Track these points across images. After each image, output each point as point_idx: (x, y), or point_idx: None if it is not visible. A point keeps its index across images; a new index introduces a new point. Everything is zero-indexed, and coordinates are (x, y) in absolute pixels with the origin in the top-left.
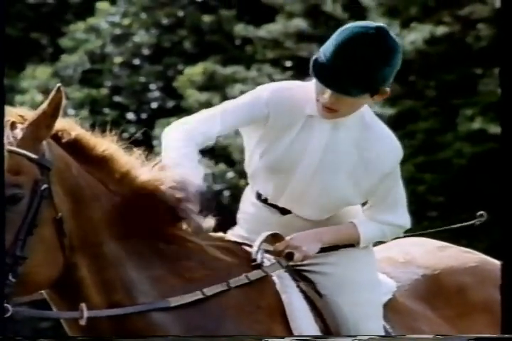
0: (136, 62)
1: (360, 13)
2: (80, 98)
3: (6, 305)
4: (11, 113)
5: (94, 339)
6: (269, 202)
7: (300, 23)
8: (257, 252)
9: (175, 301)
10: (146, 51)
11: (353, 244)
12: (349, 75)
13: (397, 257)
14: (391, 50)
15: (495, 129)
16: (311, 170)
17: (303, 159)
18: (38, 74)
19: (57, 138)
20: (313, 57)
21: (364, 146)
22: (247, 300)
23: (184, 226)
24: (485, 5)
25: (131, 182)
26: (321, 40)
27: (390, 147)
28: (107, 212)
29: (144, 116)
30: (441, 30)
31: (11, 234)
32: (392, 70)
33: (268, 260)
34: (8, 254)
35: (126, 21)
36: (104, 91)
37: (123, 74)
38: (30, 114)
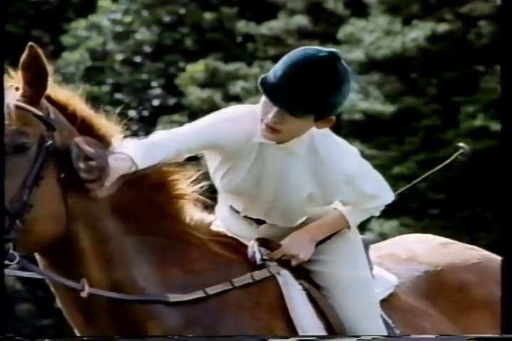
0: (138, 59)
1: (361, 11)
2: (81, 95)
3: (12, 252)
4: (12, 78)
5: (95, 339)
6: (242, 215)
7: (302, 20)
8: (254, 254)
9: (174, 298)
10: (147, 48)
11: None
12: (296, 94)
13: (399, 254)
14: (340, 77)
15: (496, 126)
16: (270, 194)
17: (261, 184)
18: None
19: (62, 109)
20: (263, 76)
21: (316, 169)
22: (247, 296)
23: (187, 219)
24: (486, 2)
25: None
26: (323, 37)
27: (340, 167)
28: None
29: (145, 113)
30: (442, 27)
31: (18, 180)
32: (340, 99)
33: (269, 260)
34: (15, 200)
35: (127, 19)
36: (106, 88)
37: (124, 72)
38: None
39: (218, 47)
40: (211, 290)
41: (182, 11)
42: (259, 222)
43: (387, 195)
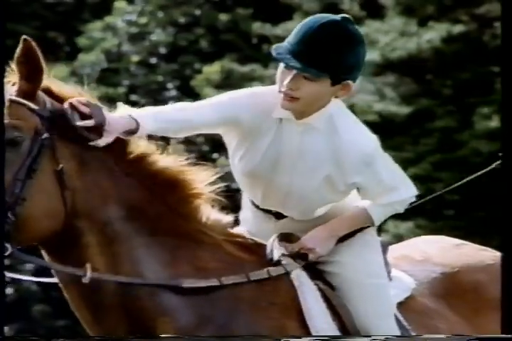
0: (153, 60)
1: (376, 12)
2: (97, 97)
3: (6, 244)
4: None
5: (107, 339)
6: (261, 207)
7: None
8: (272, 251)
9: (188, 283)
10: (162, 50)
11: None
12: (307, 53)
13: (414, 255)
14: (352, 37)
15: None
16: (288, 174)
17: (279, 164)
18: (55, 73)
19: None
20: (277, 44)
21: (335, 147)
22: (261, 295)
23: (203, 219)
24: None
25: (147, 166)
26: None
27: (359, 145)
28: (117, 185)
29: None
30: (457, 28)
31: (10, 173)
32: (353, 61)
33: (285, 259)
34: (7, 193)
35: (142, 20)
36: (121, 90)
37: (140, 73)
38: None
39: (233, 48)
40: (226, 280)
41: (197, 12)
42: (278, 217)
43: (407, 189)
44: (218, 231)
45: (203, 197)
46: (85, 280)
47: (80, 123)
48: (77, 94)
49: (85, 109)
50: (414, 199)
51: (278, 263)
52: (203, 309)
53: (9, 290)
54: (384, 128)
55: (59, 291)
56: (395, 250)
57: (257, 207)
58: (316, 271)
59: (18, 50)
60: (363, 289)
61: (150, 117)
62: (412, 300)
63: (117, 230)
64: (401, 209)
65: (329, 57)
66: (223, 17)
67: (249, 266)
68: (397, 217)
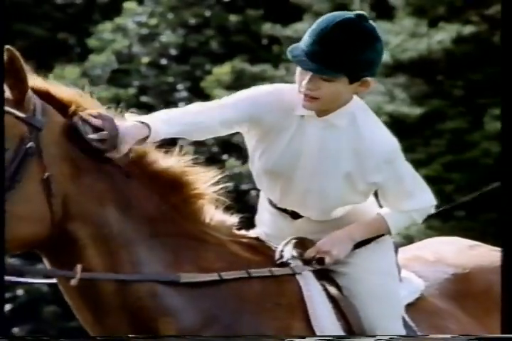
0: (164, 62)
1: (387, 13)
2: (108, 98)
3: None
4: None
5: (109, 339)
6: (279, 206)
7: None
8: (281, 252)
9: (187, 277)
10: (173, 51)
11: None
12: (322, 53)
13: (427, 256)
14: (368, 34)
15: None
16: (308, 172)
17: (299, 161)
18: (66, 74)
19: (64, 107)
20: (293, 45)
21: (356, 145)
22: (267, 295)
23: (207, 219)
24: None
25: (149, 166)
26: None
27: (381, 143)
28: (114, 187)
29: None
30: (468, 29)
31: None
32: (369, 56)
33: (294, 261)
34: None
35: (153, 21)
36: (132, 91)
37: (150, 74)
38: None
39: (244, 49)
40: (226, 275)
41: (207, 13)
42: (295, 217)
43: (426, 196)
44: (222, 231)
45: (206, 198)
46: (74, 282)
47: (92, 136)
48: (77, 97)
49: (97, 122)
50: (433, 211)
51: (285, 264)
52: (206, 309)
53: (20, 292)
54: (395, 129)
55: None
56: (408, 251)
57: (275, 206)
58: (323, 271)
59: (4, 60)
60: (373, 290)
61: (163, 121)
62: (422, 301)
63: (116, 232)
64: (419, 220)
65: (345, 56)
66: (233, 18)
67: (254, 266)
68: None
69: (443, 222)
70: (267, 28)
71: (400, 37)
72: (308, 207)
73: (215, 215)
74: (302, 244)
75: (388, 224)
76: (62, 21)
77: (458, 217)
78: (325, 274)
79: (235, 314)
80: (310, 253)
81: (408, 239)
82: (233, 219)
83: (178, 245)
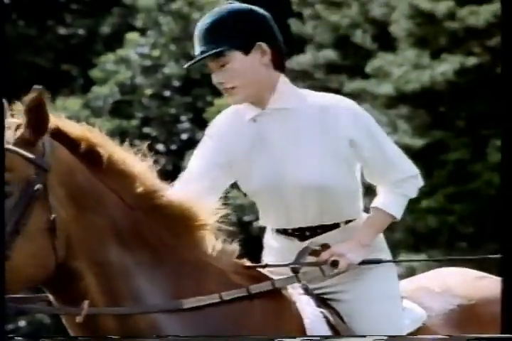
0: (166, 93)
1: (389, 44)
2: (110, 129)
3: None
4: (19, 116)
5: (106, 339)
6: (284, 228)
7: (330, 54)
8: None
9: (189, 303)
10: (175, 82)
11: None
12: (205, 40)
13: (433, 287)
14: (248, 9)
15: None
16: (290, 167)
17: (275, 161)
18: (68, 105)
19: (74, 144)
20: None
21: (320, 117)
22: (268, 325)
23: (208, 249)
24: None
25: (155, 199)
26: (351, 71)
27: (343, 102)
28: (117, 222)
29: (173, 147)
30: (471, 60)
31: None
32: (253, 25)
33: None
34: None
35: (155, 52)
36: (135, 122)
37: (153, 106)
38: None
39: None
40: (227, 296)
41: None
42: (302, 238)
43: (409, 165)
44: (224, 261)
45: (209, 228)
46: (79, 319)
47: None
48: (87, 133)
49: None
50: (421, 182)
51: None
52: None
53: (22, 323)
54: None
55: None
56: (416, 281)
57: (280, 231)
58: (322, 299)
59: (29, 99)
60: (374, 316)
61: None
62: (424, 330)
63: (116, 268)
64: (412, 193)
65: (224, 29)
66: None
67: (259, 297)
68: (410, 249)
69: (445, 253)
70: None
71: (403, 68)
72: (310, 206)
73: (217, 245)
74: (319, 251)
75: (387, 211)
76: (65, 52)
77: (461, 249)
78: (324, 302)
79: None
80: (323, 256)
81: (410, 270)
82: (235, 249)
83: (180, 275)
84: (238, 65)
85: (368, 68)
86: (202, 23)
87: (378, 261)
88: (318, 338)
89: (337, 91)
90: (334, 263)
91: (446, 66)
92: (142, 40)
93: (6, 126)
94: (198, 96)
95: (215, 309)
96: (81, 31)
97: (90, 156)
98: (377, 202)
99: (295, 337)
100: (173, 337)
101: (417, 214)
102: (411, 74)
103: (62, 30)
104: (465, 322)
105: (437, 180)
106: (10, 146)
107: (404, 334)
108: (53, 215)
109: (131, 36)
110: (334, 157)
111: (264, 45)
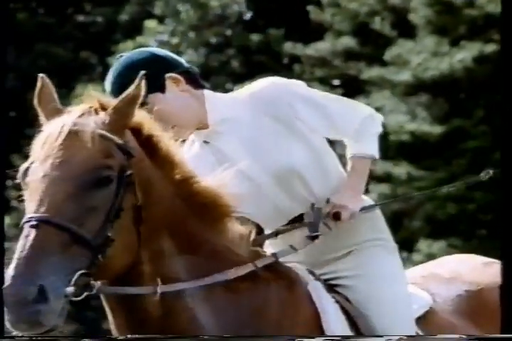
0: None
1: (408, 32)
2: None
3: (92, 282)
4: (92, 100)
5: (110, 339)
6: (282, 226)
7: (349, 42)
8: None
9: (232, 274)
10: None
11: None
12: (116, 86)
13: (443, 273)
14: (134, 58)
15: None
16: (263, 171)
17: (247, 175)
18: (88, 92)
19: (134, 130)
20: None
21: (255, 106)
22: (285, 315)
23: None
24: None
25: (190, 186)
26: (370, 59)
27: (260, 86)
28: (168, 209)
29: None
30: (490, 48)
31: (102, 215)
32: (151, 69)
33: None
34: (98, 235)
35: (174, 40)
36: None
37: None
38: (112, 102)
39: (265, 68)
40: (258, 263)
41: (228, 32)
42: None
43: (358, 110)
44: (245, 249)
45: (235, 217)
46: (155, 297)
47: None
48: (144, 120)
49: None
50: (379, 116)
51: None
52: (230, 322)
53: None
54: (417, 148)
55: (93, 311)
56: (426, 268)
57: (277, 234)
58: (331, 285)
59: (130, 91)
60: (381, 298)
61: None
62: (432, 315)
63: (165, 252)
64: (378, 127)
65: (132, 71)
66: (255, 37)
67: (274, 285)
68: (429, 236)
69: (465, 240)
70: (288, 47)
71: (422, 56)
72: (290, 193)
73: (241, 233)
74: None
75: (363, 153)
76: (83, 41)
77: (480, 236)
78: (333, 288)
79: (254, 333)
80: (326, 209)
81: (430, 257)
82: (257, 237)
83: (207, 259)
84: (163, 105)
85: (387, 56)
86: (108, 81)
87: (373, 205)
88: (339, 337)
89: (355, 78)
90: (336, 216)
91: (465, 53)
92: (161, 28)
93: (78, 111)
94: (216, 85)
95: (246, 284)
96: (100, 19)
97: (148, 144)
98: (349, 150)
99: (314, 337)
100: (174, 337)
101: (437, 202)
102: (430, 62)
103: (81, 18)
104: (474, 308)
105: (456, 168)
106: (106, 133)
107: (413, 318)
108: (140, 201)
109: (150, 24)
110: (295, 140)
111: (173, 75)
